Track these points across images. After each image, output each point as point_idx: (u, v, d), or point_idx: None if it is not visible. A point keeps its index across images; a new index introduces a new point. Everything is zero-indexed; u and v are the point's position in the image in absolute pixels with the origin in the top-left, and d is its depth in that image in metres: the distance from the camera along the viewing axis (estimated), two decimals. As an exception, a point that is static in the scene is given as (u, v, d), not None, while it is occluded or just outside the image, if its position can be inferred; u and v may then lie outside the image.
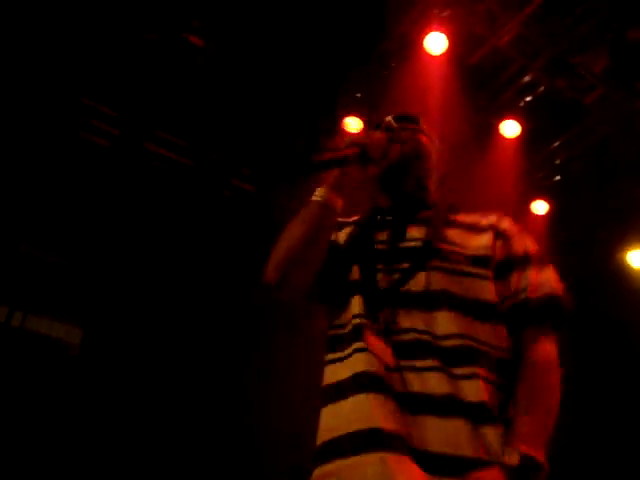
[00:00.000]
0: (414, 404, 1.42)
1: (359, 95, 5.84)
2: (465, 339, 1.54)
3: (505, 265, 1.68)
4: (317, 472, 1.47)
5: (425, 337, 1.52)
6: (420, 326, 1.53)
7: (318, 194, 1.69)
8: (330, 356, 1.63)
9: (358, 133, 1.65)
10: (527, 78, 5.84)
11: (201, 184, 6.20)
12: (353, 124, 5.78)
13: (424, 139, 1.97)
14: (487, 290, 1.63)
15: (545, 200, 6.54)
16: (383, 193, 1.87)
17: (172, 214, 5.94)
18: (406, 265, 1.63)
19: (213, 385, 5.56)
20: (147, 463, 5.05)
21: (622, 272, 6.71)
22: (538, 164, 6.44)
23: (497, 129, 5.93)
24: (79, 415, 4.98)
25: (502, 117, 5.92)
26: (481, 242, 1.71)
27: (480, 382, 1.48)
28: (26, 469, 4.58)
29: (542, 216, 6.56)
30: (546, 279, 1.67)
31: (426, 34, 5.36)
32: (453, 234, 1.72)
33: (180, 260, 5.89)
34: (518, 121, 5.88)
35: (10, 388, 4.72)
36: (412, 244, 1.69)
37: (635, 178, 6.30)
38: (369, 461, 1.37)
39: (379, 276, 1.63)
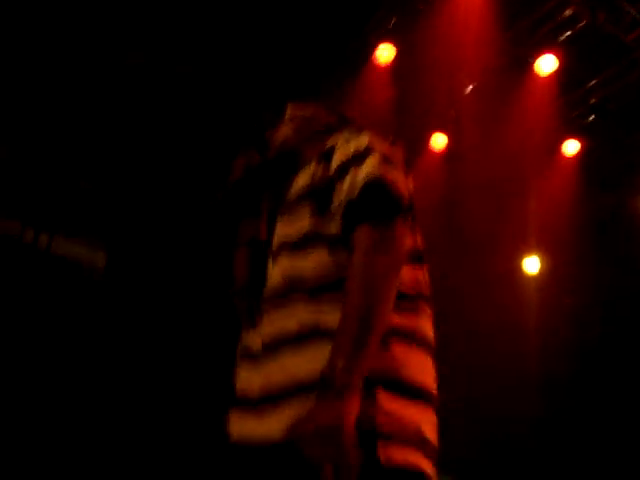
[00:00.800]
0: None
1: (394, 21, 5.64)
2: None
3: (330, 180, 1.52)
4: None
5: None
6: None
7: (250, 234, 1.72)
8: None
9: None
10: (568, 11, 5.61)
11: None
12: (385, 52, 5.62)
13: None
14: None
15: (577, 139, 6.39)
16: None
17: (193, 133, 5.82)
18: None
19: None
20: (167, 396, 5.11)
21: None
22: (573, 102, 6.26)
23: (533, 63, 5.73)
24: (100, 339, 5.04)
25: (540, 51, 5.72)
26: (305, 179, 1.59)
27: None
28: (44, 396, 4.64)
29: (573, 156, 6.43)
30: (363, 175, 1.43)
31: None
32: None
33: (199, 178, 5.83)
34: (556, 56, 5.67)
35: (36, 310, 4.77)
36: None
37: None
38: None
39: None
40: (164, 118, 5.63)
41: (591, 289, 6.97)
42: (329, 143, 1.58)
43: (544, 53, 5.70)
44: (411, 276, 1.49)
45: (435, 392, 1.43)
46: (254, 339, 1.51)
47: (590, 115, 6.32)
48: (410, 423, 1.32)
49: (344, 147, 1.52)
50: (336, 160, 1.51)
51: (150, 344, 5.18)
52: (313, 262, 1.45)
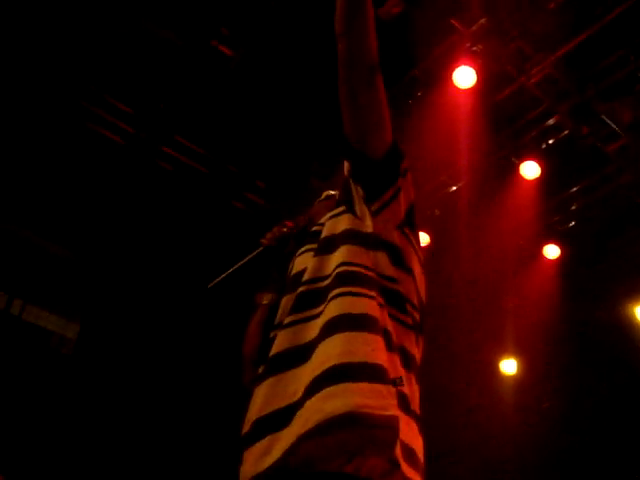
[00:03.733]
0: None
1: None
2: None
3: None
4: None
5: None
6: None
7: (266, 299, 1.88)
8: None
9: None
10: (551, 121, 5.81)
11: (213, 192, 6.17)
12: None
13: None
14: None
15: (558, 245, 6.49)
16: None
17: (180, 219, 5.91)
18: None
19: (211, 387, 5.49)
20: (139, 462, 4.98)
21: (628, 325, 6.65)
22: (554, 208, 6.39)
23: (517, 168, 5.87)
24: (70, 409, 4.92)
25: (523, 157, 5.88)
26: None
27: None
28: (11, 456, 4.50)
29: (553, 260, 6.51)
30: None
31: (456, 67, 5.32)
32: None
33: (183, 264, 5.85)
34: (538, 163, 5.83)
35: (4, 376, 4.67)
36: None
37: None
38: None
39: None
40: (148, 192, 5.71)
41: (566, 394, 6.92)
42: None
43: (528, 159, 5.84)
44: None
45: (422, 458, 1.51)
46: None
47: (570, 221, 6.44)
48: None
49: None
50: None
51: (114, 419, 5.06)
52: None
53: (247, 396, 1.59)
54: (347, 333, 1.43)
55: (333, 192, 2.04)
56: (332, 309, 1.49)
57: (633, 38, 5.19)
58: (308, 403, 1.36)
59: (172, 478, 5.23)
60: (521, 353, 7.11)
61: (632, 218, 6.24)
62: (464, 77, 5.34)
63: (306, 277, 1.62)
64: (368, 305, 1.49)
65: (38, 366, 4.94)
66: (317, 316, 1.52)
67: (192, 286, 5.81)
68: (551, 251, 6.48)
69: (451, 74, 5.34)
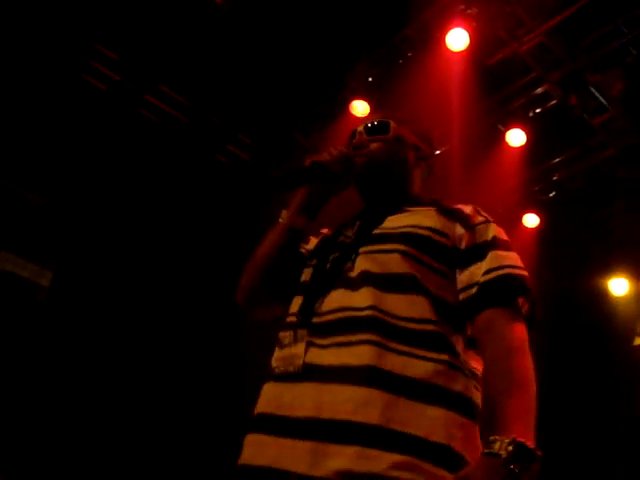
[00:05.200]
0: (327, 376, 1.44)
1: (370, 79, 5.72)
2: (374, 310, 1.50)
3: (465, 253, 1.63)
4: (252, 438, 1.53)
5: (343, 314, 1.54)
6: (341, 304, 1.54)
7: (282, 217, 1.76)
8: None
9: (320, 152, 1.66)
10: (540, 89, 5.78)
11: (196, 145, 6.05)
12: (360, 107, 5.67)
13: (392, 146, 1.89)
14: (400, 264, 1.58)
15: (537, 214, 6.51)
16: (363, 203, 1.87)
17: (161, 169, 5.79)
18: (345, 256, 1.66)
19: (192, 337, 5.48)
20: (114, 412, 4.96)
21: (601, 298, 6.74)
22: (536, 177, 6.40)
23: (503, 136, 5.85)
24: (44, 353, 4.87)
25: (510, 124, 5.85)
26: (428, 222, 1.67)
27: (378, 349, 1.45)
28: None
29: (532, 229, 6.54)
30: (509, 262, 1.60)
31: (449, 28, 5.24)
32: (398, 218, 1.71)
33: (163, 216, 5.76)
34: (524, 131, 5.81)
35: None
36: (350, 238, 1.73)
37: (629, 206, 6.30)
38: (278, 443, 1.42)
39: (325, 267, 1.67)
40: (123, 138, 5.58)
41: (540, 360, 6.99)
42: (453, 205, 1.72)
43: (514, 127, 5.81)
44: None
45: None
46: (315, 356, 1.49)
47: (551, 191, 6.45)
48: None
49: (484, 227, 1.66)
50: (474, 236, 1.64)
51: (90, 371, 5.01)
52: (409, 302, 1.52)
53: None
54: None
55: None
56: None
57: (627, 10, 5.16)
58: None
59: (152, 432, 5.23)
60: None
61: (613, 192, 6.26)
62: (456, 39, 5.25)
63: (366, 312, 1.52)
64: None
65: (13, 312, 4.86)
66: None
67: (171, 237, 5.77)
68: (530, 220, 6.51)
69: (444, 36, 5.25)
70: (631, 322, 7.10)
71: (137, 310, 5.38)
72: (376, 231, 1.67)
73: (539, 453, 1.26)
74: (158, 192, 5.73)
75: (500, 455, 1.24)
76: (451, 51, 5.31)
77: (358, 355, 1.42)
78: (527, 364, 1.45)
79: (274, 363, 1.56)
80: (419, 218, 1.67)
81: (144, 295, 5.42)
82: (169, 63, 5.64)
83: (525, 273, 1.60)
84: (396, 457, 1.29)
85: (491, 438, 1.30)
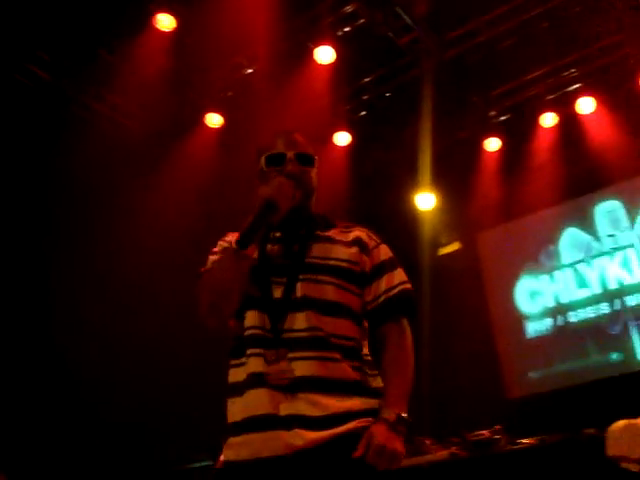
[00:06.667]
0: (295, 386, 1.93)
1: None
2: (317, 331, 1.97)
3: (368, 274, 2.08)
4: (230, 441, 1.99)
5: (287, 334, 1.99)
6: (297, 325, 1.97)
7: (236, 246, 1.95)
8: (232, 361, 2.05)
9: (267, 188, 1.96)
10: (349, 8, 5.81)
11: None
12: (165, 21, 5.44)
13: (314, 178, 2.18)
14: (335, 294, 2.02)
15: (348, 132, 6.66)
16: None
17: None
18: (285, 279, 2.02)
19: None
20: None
21: (409, 212, 7.10)
22: (347, 96, 6.51)
23: (312, 53, 5.85)
24: None
25: (318, 42, 5.85)
26: (345, 255, 2.07)
27: (341, 364, 1.97)
28: None
29: (343, 147, 6.71)
30: (398, 280, 2.09)
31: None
32: (322, 248, 2.07)
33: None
34: (334, 49, 5.84)
35: None
36: (287, 262, 2.08)
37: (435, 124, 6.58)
38: (271, 436, 1.89)
39: (271, 288, 2.03)
40: None
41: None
42: (353, 233, 2.10)
43: (323, 44, 5.83)
44: None
45: None
46: (277, 370, 1.95)
47: (362, 110, 6.61)
48: None
49: (379, 252, 2.10)
50: (375, 260, 2.08)
51: None
52: (341, 325, 2.01)
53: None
54: None
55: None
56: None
57: None
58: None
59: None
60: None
61: (419, 112, 6.50)
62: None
63: (309, 333, 1.97)
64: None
65: None
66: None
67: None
68: (341, 138, 6.66)
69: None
70: (436, 234, 7.61)
71: None
72: (308, 260, 2.04)
73: (409, 420, 1.93)
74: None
75: (389, 420, 1.91)
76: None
77: (311, 367, 1.94)
78: (409, 360, 2.05)
79: (266, 374, 1.95)
80: (338, 251, 2.06)
81: None
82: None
83: (409, 286, 2.11)
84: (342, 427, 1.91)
85: (384, 409, 1.94)
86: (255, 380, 1.96)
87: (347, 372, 1.98)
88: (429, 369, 6.30)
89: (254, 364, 1.97)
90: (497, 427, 4.74)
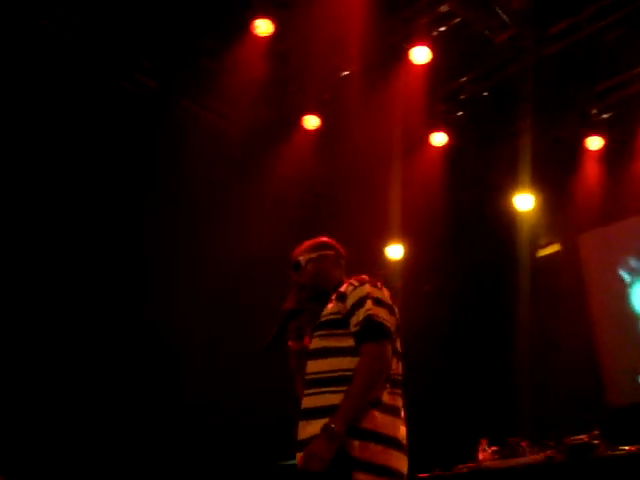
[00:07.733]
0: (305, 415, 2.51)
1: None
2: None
3: (349, 313, 2.54)
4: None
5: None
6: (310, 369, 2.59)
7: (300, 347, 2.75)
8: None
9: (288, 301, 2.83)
10: (444, 7, 5.78)
11: (98, 72, 5.86)
12: (262, 27, 5.59)
13: (311, 267, 2.80)
14: (329, 340, 2.57)
15: (445, 132, 6.62)
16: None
17: (66, 101, 5.62)
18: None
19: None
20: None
21: (508, 213, 6.98)
22: (442, 96, 6.47)
23: (407, 54, 5.86)
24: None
25: (414, 43, 5.85)
26: (332, 310, 2.60)
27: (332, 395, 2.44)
28: None
29: (439, 148, 6.66)
30: (363, 312, 2.49)
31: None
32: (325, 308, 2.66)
33: (72, 145, 5.66)
34: (429, 49, 5.82)
35: None
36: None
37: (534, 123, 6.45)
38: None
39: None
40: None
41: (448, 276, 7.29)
42: (342, 289, 2.62)
43: (418, 45, 5.82)
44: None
45: (405, 442, 2.45)
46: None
47: (458, 110, 6.55)
48: (377, 456, 2.33)
49: (353, 295, 2.55)
50: (349, 303, 2.54)
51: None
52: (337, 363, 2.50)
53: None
54: None
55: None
56: None
57: None
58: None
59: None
60: (407, 238, 7.36)
61: (518, 111, 6.39)
62: (357, -42, 5.20)
63: (317, 373, 2.53)
64: None
65: None
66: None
67: (84, 170, 5.67)
68: (438, 138, 6.62)
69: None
70: (535, 236, 7.43)
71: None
72: (317, 321, 2.64)
73: (335, 428, 2.26)
74: (65, 122, 5.60)
75: (327, 431, 2.28)
76: (352, -30, 5.24)
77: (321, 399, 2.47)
78: (359, 380, 2.38)
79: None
80: (329, 308, 2.61)
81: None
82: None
83: (376, 312, 2.49)
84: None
85: (329, 420, 2.30)
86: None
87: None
88: (528, 371, 6.16)
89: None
90: (595, 432, 4.57)
